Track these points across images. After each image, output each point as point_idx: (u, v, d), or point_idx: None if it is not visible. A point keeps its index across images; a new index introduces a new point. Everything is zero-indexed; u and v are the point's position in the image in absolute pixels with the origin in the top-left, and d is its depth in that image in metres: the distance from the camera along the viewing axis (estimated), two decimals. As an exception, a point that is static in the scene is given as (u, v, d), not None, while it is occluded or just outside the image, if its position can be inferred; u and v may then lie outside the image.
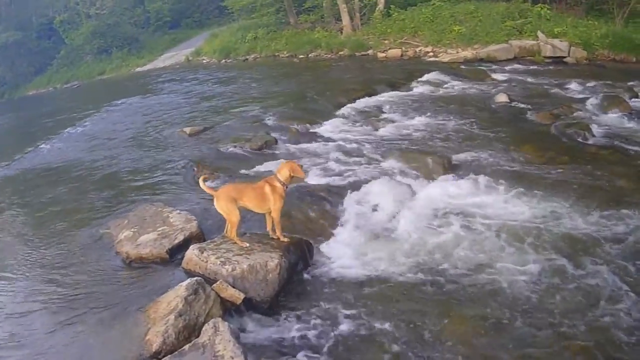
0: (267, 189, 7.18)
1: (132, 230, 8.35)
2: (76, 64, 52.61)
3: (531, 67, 21.57)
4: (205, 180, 7.19)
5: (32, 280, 7.93)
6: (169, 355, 5.28)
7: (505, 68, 21.68)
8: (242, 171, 11.15)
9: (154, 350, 5.43)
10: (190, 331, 5.69)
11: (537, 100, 15.69)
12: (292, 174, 7.28)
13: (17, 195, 12.62)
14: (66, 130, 19.60)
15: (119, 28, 51.60)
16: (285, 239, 7.28)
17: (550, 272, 6.82)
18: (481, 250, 7.45)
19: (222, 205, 6.99)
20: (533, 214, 8.30)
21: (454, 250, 7.51)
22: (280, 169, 7.32)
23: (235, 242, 7.06)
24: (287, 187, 7.30)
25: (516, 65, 22.13)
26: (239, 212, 7.03)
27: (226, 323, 5.53)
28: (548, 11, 25.41)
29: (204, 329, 5.50)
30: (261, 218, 7.86)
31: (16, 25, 54.40)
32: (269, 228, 7.42)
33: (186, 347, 5.33)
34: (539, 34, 23.44)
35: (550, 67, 21.34)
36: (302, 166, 7.61)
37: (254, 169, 11.20)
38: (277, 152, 12.54)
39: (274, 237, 7.33)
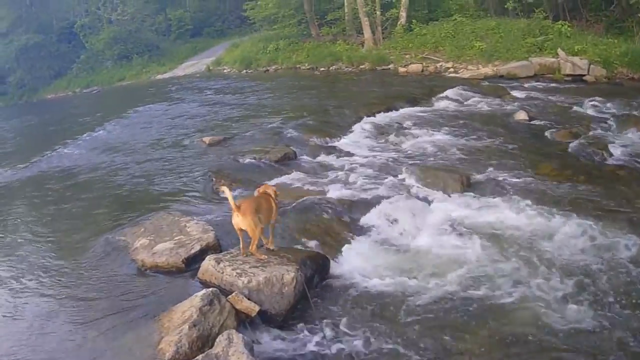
0: (272, 199, 7.37)
1: (148, 238, 8.42)
2: (96, 69, 53.13)
3: (551, 85, 21.46)
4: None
5: (46, 284, 8.00)
6: (182, 365, 5.28)
7: (525, 85, 21.60)
8: (261, 182, 11.13)
9: (166, 359, 5.44)
10: (203, 342, 5.70)
11: (556, 118, 15.64)
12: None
13: (33, 199, 12.81)
14: (85, 135, 19.82)
15: (140, 34, 52.04)
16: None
17: (566, 292, 6.80)
18: (497, 268, 7.44)
19: (249, 221, 6.91)
20: (550, 233, 8.27)
21: (471, 268, 7.50)
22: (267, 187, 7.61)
23: (254, 255, 7.09)
24: None
25: (536, 83, 22.01)
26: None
27: (240, 335, 5.56)
28: (569, 28, 25.21)
29: (217, 340, 5.53)
30: (276, 228, 8.00)
31: (37, 28, 54.92)
32: (271, 240, 7.50)
33: (199, 357, 5.34)
34: (559, 51, 23.30)
35: (570, 85, 21.21)
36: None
37: (273, 181, 11.18)
38: (296, 164, 12.56)
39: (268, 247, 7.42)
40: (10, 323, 7.08)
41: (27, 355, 6.22)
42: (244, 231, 7.01)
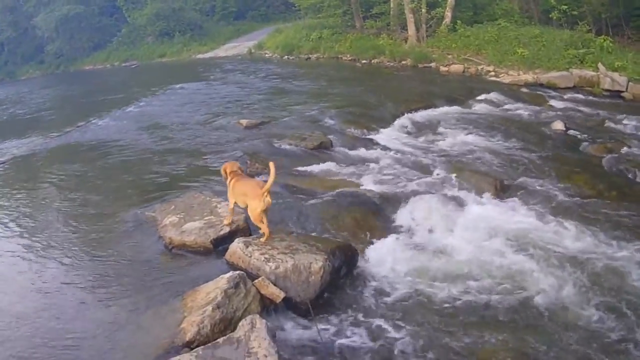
0: None
1: (178, 216, 8.48)
2: (137, 44, 53.48)
3: (589, 98, 21.17)
4: None
5: (71, 256, 8.14)
6: (202, 346, 5.31)
7: (564, 96, 21.36)
8: (295, 169, 11.26)
9: (187, 339, 5.50)
10: (226, 324, 5.76)
11: (592, 132, 15.49)
12: None
13: (64, 169, 12.93)
14: (121, 108, 20.07)
15: (183, 13, 52.05)
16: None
17: (587, 305, 6.79)
18: (522, 275, 7.44)
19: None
20: (577, 245, 8.23)
21: (497, 272, 7.52)
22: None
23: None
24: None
25: (574, 94, 21.75)
26: None
27: (264, 320, 5.60)
28: (610, 44, 24.76)
29: (240, 323, 5.55)
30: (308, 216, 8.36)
31: (78, -1, 54.94)
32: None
33: (220, 340, 5.37)
34: (600, 65, 22.98)
35: (608, 100, 20.89)
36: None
37: (307, 168, 11.32)
38: (331, 154, 12.62)
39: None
40: (32, 292, 7.21)
41: (45, 324, 6.35)
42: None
